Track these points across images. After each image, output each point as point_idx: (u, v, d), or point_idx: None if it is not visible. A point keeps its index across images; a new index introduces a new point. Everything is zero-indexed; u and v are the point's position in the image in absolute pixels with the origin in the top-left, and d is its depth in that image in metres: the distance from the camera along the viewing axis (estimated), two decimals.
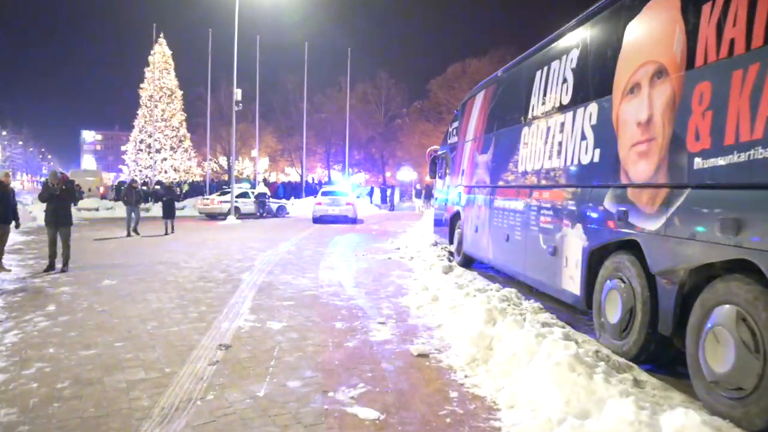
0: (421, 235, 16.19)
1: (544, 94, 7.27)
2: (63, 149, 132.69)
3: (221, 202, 24.86)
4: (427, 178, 22.08)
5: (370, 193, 43.56)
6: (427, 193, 36.51)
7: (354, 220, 22.89)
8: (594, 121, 5.88)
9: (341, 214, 22.52)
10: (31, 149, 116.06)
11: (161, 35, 51.96)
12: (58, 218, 9.87)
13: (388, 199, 38.40)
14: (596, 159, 5.77)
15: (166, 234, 16.73)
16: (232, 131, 25.20)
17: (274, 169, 71.05)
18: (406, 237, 16.50)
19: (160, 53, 51.65)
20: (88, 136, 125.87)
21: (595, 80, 5.98)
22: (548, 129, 7.05)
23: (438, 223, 13.50)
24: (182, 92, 53.08)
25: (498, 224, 8.70)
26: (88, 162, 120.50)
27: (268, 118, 63.64)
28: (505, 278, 9.54)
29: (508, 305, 6.34)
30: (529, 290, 7.92)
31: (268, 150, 66.60)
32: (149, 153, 49.83)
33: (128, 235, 15.89)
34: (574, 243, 6.09)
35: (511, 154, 8.24)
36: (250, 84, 41.11)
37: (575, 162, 6.23)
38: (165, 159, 51.97)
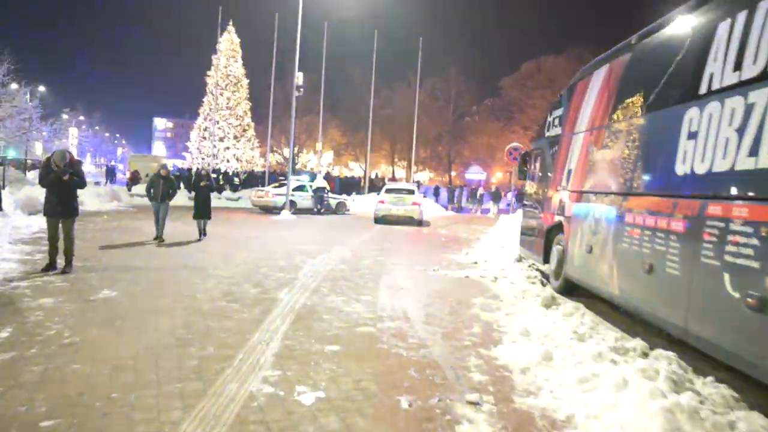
0: (500, 246, 13.65)
1: (738, 55, 4.67)
2: (137, 135, 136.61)
3: (276, 195, 23.02)
4: (513, 180, 19.46)
5: (436, 193, 41.03)
6: (496, 195, 33.84)
7: (420, 222, 20.52)
8: None
9: (406, 215, 20.19)
10: (107, 134, 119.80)
11: (230, 23, 51.38)
12: (65, 209, 8.00)
13: (455, 200, 35.79)
14: None
15: (199, 239, 12.70)
16: (291, 115, 23.27)
17: (338, 163, 69.73)
18: (481, 247, 14.00)
19: (228, 41, 50.96)
20: (160, 123, 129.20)
21: None
22: (748, 108, 4.46)
23: (527, 234, 10.96)
24: (248, 81, 52.16)
25: (633, 247, 6.12)
26: (158, 148, 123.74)
27: (335, 111, 62.39)
28: (630, 319, 6.96)
29: (692, 394, 3.79)
30: (694, 353, 5.32)
31: (332, 144, 65.35)
32: (212, 141, 49.22)
33: (157, 239, 11.88)
34: None
35: (665, 150, 5.65)
36: (317, 74, 39.53)
37: None
38: (228, 148, 51.29)
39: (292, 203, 22.82)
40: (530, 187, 11.07)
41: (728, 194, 4.58)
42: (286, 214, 21.36)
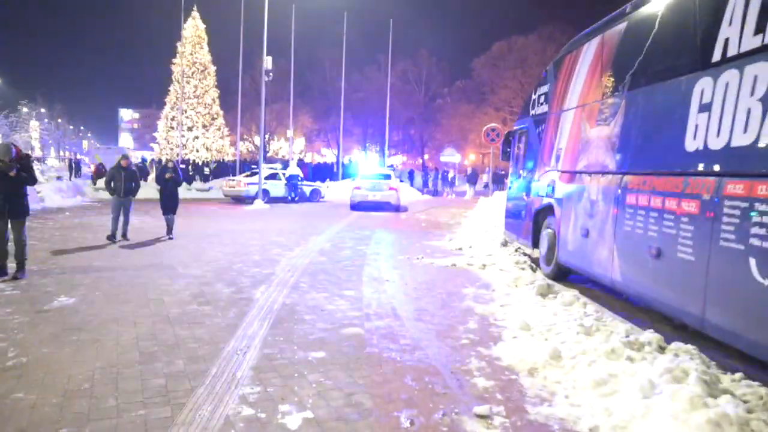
0: (483, 230, 13.20)
1: (760, 15, 4.21)
2: (102, 127, 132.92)
3: (248, 184, 22.24)
4: (489, 161, 19.05)
5: (410, 176, 40.56)
6: (472, 177, 33.51)
7: (398, 208, 20.00)
8: None
9: (383, 201, 19.64)
10: (71, 127, 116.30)
11: (194, 8, 49.79)
12: (13, 208, 7.25)
13: (430, 183, 35.37)
14: None
15: (170, 236, 11.43)
16: (261, 101, 22.44)
17: (311, 149, 68.72)
18: (464, 232, 13.55)
19: (193, 27, 49.37)
20: (126, 114, 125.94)
21: None
22: None
23: (513, 217, 10.53)
24: (216, 68, 50.72)
25: (637, 231, 5.69)
26: (125, 140, 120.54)
27: (305, 97, 61.33)
28: (634, 306, 6.57)
29: (731, 399, 3.34)
30: (710, 342, 4.90)
31: (304, 130, 64.29)
32: (180, 131, 47.83)
33: (110, 238, 10.55)
34: None
35: (672, 125, 5.19)
36: (286, 59, 38.57)
37: None
38: (197, 137, 49.93)
39: (265, 192, 22.08)
40: (515, 169, 10.62)
41: (751, 170, 4.14)
42: (259, 203, 20.65)
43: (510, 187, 10.95)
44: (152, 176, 30.89)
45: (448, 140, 57.78)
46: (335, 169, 41.12)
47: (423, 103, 63.27)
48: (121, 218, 10.91)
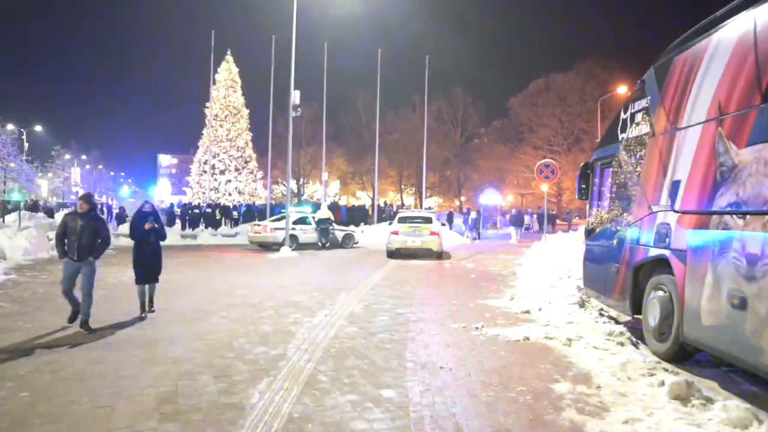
0: (548, 284, 10.85)
1: None
2: (142, 174, 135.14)
3: (275, 229, 20.35)
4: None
5: (449, 219, 38.28)
6: (517, 219, 31.04)
7: (440, 255, 17.71)
8: None
9: (424, 248, 17.41)
10: (112, 173, 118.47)
11: (228, 52, 49.64)
12: None
13: (473, 226, 33.01)
14: None
15: (142, 317, 7.77)
16: (288, 137, 20.76)
17: (345, 192, 67.40)
18: (524, 286, 11.21)
19: (227, 70, 49.14)
20: (164, 160, 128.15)
21: None
22: None
23: (595, 271, 8.23)
24: (249, 111, 50.12)
25: None
26: (163, 185, 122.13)
27: (339, 139, 60.42)
28: None
29: None
30: None
31: (338, 173, 63.13)
32: (213, 174, 46.96)
33: (75, 320, 7.05)
34: None
35: None
36: (319, 102, 37.41)
37: None
38: (229, 181, 49.03)
39: (294, 238, 20.15)
40: (597, 209, 8.36)
41: None
42: (285, 251, 18.68)
43: (590, 232, 8.66)
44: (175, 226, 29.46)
45: (485, 181, 55.70)
46: (370, 213, 39.23)
47: (459, 144, 61.73)
48: (78, 293, 7.05)
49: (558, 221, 41.53)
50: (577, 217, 44.79)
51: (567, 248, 17.21)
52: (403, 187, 64.04)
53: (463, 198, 62.81)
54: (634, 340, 6.75)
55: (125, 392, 4.67)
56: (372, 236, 25.96)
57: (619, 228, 7.36)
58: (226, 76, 49.19)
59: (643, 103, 6.93)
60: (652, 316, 6.30)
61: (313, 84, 38.32)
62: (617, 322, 7.77)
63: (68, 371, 5.23)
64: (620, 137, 7.55)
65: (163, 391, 4.71)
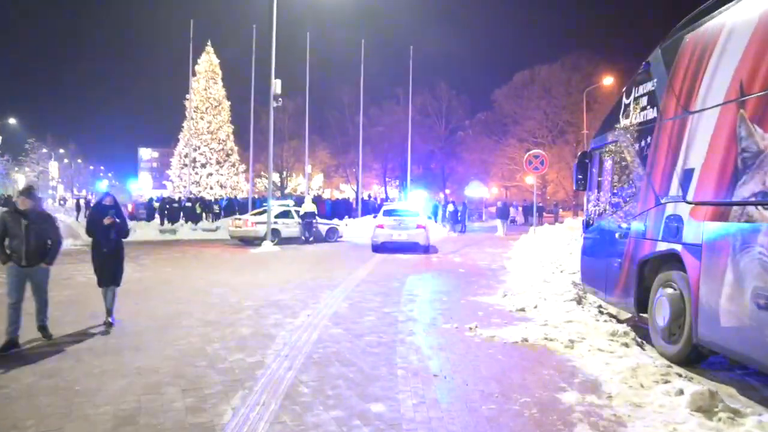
0: (542, 279, 10.41)
1: None
2: (123, 167, 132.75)
3: (256, 223, 19.71)
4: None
5: (434, 212, 37.82)
6: (503, 212, 30.65)
7: (427, 249, 17.22)
8: None
9: (410, 241, 16.89)
10: (91, 167, 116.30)
11: (209, 43, 48.63)
12: None
13: (458, 219, 32.57)
14: None
15: (108, 323, 6.79)
16: (269, 128, 20.11)
17: (329, 185, 66.69)
18: (517, 281, 10.76)
19: (207, 62, 48.17)
20: (145, 153, 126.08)
21: None
22: None
23: (595, 265, 7.79)
24: (230, 103, 49.19)
25: None
26: (144, 179, 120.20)
27: (324, 133, 59.60)
28: None
29: None
30: None
31: (322, 166, 62.37)
32: (194, 168, 46.02)
33: (5, 348, 5.64)
34: None
35: None
36: (302, 95, 36.74)
37: None
38: (211, 174, 48.14)
39: (276, 232, 19.52)
40: (598, 201, 7.90)
41: None
42: (268, 245, 18.04)
43: (589, 225, 8.21)
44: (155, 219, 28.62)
45: (470, 173, 55.40)
46: (354, 206, 38.63)
47: (443, 137, 61.24)
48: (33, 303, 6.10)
49: (545, 213, 41.33)
50: (561, 210, 44.65)
51: (556, 241, 16.83)
52: (387, 179, 63.48)
53: (448, 190, 62.45)
54: (639, 340, 6.32)
55: (78, 411, 4.11)
56: (357, 230, 25.40)
57: (621, 220, 6.92)
58: (207, 67, 48.20)
59: (648, 86, 6.46)
60: (660, 315, 5.86)
61: (296, 77, 37.51)
62: (618, 321, 7.35)
63: (15, 387, 4.64)
64: (622, 124, 7.09)
65: (122, 409, 4.15)
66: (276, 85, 18.65)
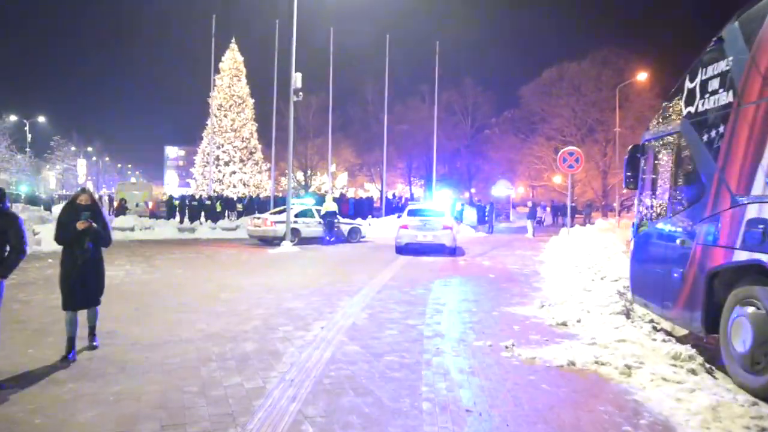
0: (581, 287, 9.44)
1: None
2: (149, 165, 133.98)
3: (276, 222, 18.99)
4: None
5: (461, 213, 36.78)
6: (532, 212, 29.56)
7: (453, 251, 16.28)
8: None
9: (435, 243, 15.98)
10: (119, 165, 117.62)
11: (233, 40, 48.28)
12: None
13: (486, 219, 31.55)
14: None
15: (66, 357, 5.25)
16: (289, 122, 19.37)
17: (353, 184, 65.99)
18: (553, 289, 9.80)
19: (231, 59, 47.80)
20: (171, 152, 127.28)
21: None
22: None
23: (650, 274, 6.81)
24: (254, 101, 48.74)
25: None
26: (170, 177, 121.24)
27: (348, 131, 58.84)
28: None
29: None
30: None
31: (346, 164, 61.67)
32: (217, 166, 45.71)
33: None
34: None
35: None
36: (325, 92, 36.04)
37: None
38: (234, 172, 47.74)
39: (296, 232, 18.79)
40: (652, 200, 6.91)
41: None
42: (287, 245, 17.31)
43: (639, 228, 7.22)
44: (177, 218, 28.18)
45: (496, 172, 54.24)
46: (378, 205, 37.80)
47: (469, 135, 59.98)
48: None
49: (576, 215, 39.98)
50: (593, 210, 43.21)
51: (591, 244, 15.76)
52: (412, 178, 62.54)
53: (473, 189, 61.29)
54: (708, 365, 5.36)
55: None
56: (380, 230, 24.57)
57: (684, 224, 5.94)
58: (231, 64, 47.81)
59: (721, 66, 5.47)
60: (739, 339, 4.88)
61: (319, 73, 36.85)
62: (676, 339, 6.38)
63: None
64: (685, 111, 6.10)
65: None
66: (296, 79, 17.91)
